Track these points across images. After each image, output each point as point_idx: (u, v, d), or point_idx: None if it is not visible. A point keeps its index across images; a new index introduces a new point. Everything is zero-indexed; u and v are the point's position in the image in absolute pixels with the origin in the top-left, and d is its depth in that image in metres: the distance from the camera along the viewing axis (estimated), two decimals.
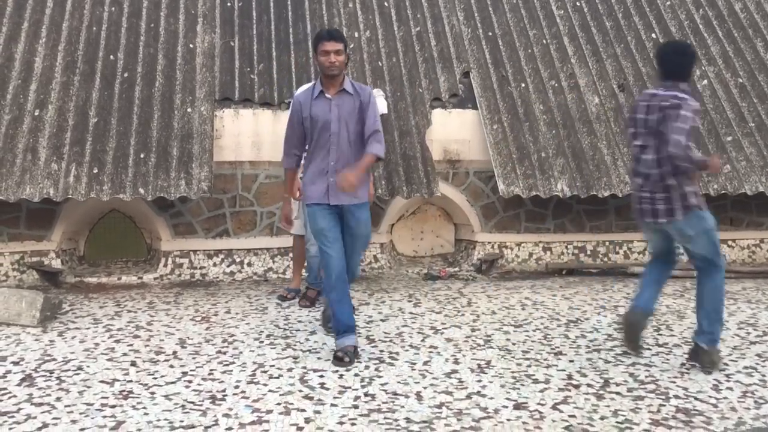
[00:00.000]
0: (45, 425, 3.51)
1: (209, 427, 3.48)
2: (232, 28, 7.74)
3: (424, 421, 3.53)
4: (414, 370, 4.28)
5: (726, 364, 4.41)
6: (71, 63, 7.11)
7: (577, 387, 4.03)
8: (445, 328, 5.17)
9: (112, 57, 7.23)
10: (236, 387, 4.01)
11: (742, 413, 3.69)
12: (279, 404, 3.76)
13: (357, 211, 4.41)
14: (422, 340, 4.88)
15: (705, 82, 8.00)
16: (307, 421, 3.55)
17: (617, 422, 3.57)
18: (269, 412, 3.66)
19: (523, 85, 7.72)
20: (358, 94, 4.38)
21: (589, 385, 4.06)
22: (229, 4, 7.92)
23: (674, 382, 4.11)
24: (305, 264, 5.97)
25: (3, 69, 6.97)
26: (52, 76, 6.99)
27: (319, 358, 4.47)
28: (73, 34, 7.33)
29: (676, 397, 3.90)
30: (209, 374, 4.22)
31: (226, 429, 3.46)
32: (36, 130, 6.62)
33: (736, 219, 7.93)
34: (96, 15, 7.53)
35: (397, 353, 4.57)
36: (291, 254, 6.57)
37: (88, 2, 7.60)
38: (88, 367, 4.35)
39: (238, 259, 7.12)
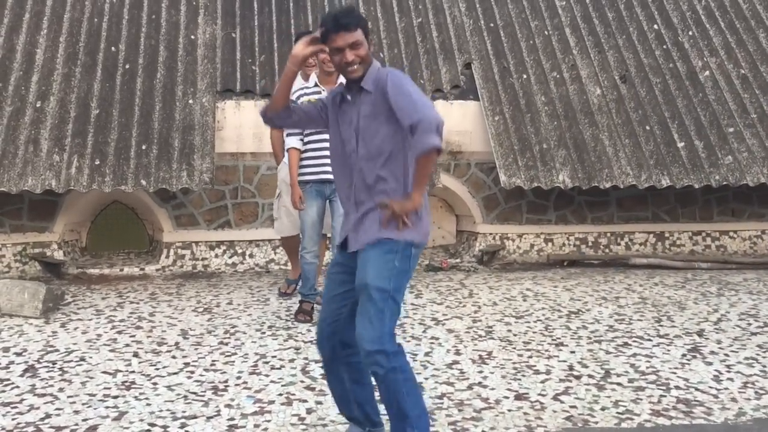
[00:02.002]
0: (48, 416, 3.52)
1: (211, 417, 3.50)
2: (233, 20, 7.73)
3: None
4: (415, 361, 4.29)
5: (727, 355, 4.42)
6: (72, 54, 7.10)
7: (578, 378, 4.04)
8: (447, 319, 5.18)
9: (113, 48, 7.22)
10: (238, 378, 4.02)
11: (743, 404, 3.70)
12: (281, 395, 3.77)
13: (363, 252, 2.95)
14: (423, 331, 4.89)
15: (707, 73, 7.98)
16: (309, 411, 3.56)
17: (618, 413, 3.58)
18: (271, 402, 3.67)
19: (524, 76, 7.71)
20: (377, 86, 2.92)
21: (590, 376, 4.07)
22: None
23: (675, 373, 4.12)
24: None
25: (4, 60, 6.96)
26: (54, 68, 6.99)
27: None
28: (74, 26, 7.33)
29: (677, 387, 3.91)
30: (211, 365, 4.23)
31: (228, 419, 3.47)
32: (38, 121, 6.62)
33: (738, 210, 7.93)
34: (97, 6, 7.52)
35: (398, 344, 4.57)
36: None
37: None
38: (90, 358, 4.37)
39: (239, 251, 7.13)
